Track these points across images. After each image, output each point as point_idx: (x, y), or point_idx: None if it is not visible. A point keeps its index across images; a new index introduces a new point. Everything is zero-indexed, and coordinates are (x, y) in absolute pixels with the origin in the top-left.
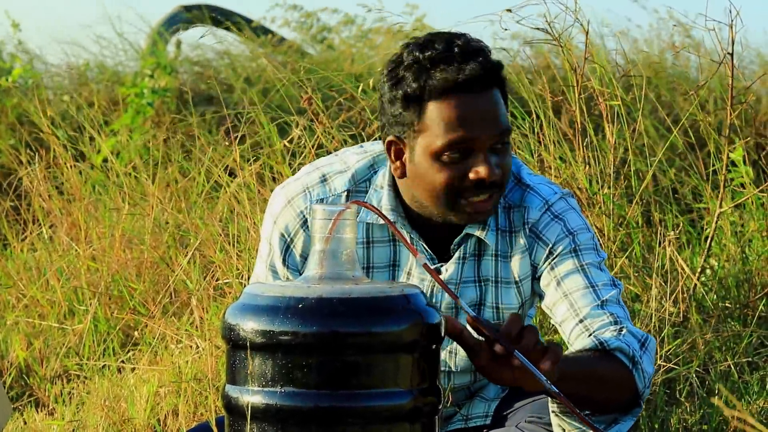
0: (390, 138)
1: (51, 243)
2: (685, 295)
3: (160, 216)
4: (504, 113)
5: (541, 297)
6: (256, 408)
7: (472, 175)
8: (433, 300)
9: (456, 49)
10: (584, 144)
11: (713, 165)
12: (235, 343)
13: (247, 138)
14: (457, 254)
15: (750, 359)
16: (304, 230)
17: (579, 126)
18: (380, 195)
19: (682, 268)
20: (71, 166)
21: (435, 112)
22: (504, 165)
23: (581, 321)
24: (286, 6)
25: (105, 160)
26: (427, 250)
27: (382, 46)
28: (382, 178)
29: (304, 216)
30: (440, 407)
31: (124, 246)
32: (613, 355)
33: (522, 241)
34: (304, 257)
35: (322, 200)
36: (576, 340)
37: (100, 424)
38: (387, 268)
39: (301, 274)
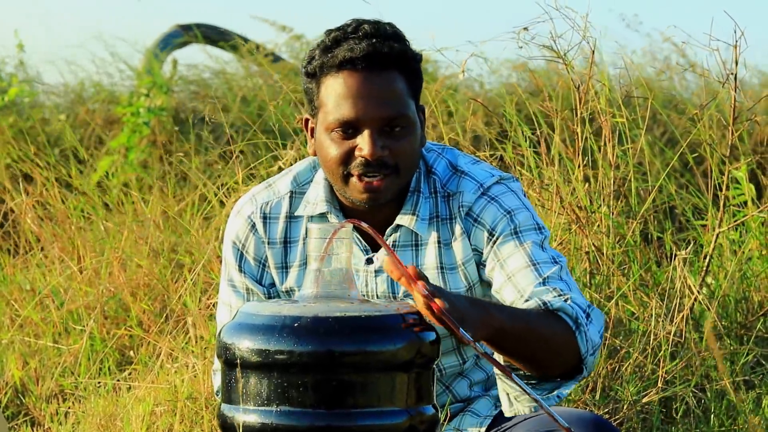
0: (305, 115)
1: (44, 261)
2: (684, 314)
3: (156, 236)
4: (400, 98)
5: (490, 285)
6: (252, 427)
7: (356, 152)
8: (367, 288)
9: (361, 31)
10: (584, 162)
11: (712, 183)
12: (230, 362)
13: (243, 158)
14: (390, 242)
15: (747, 378)
16: (253, 234)
17: (580, 144)
18: (318, 189)
19: (689, 288)
20: (58, 197)
21: (328, 87)
22: (398, 149)
23: (527, 301)
24: (276, 26)
25: (100, 182)
26: (360, 241)
27: None
28: (320, 173)
29: (251, 220)
30: (437, 427)
31: (119, 267)
32: (555, 315)
33: (459, 226)
34: (259, 261)
35: (267, 203)
36: None
37: None
38: None
39: (258, 282)
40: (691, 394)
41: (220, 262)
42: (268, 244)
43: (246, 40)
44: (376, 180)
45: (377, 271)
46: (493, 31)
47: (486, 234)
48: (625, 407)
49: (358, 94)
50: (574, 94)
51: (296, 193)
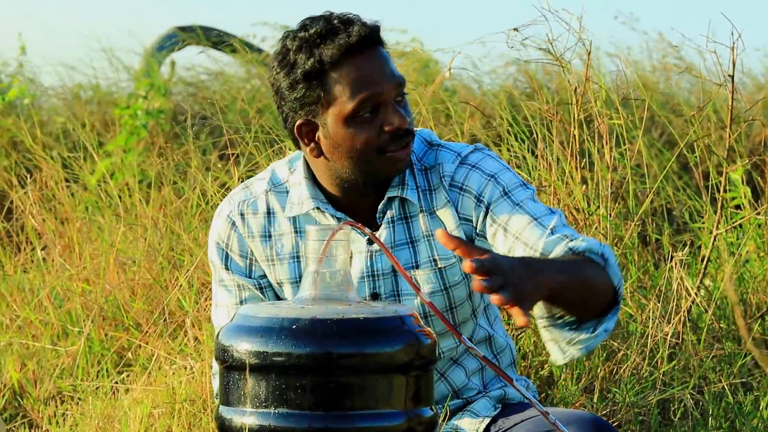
0: (299, 122)
1: (44, 263)
2: (681, 316)
3: (155, 237)
4: (395, 67)
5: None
6: (250, 429)
7: (387, 128)
8: (373, 268)
9: (336, 21)
10: (582, 164)
11: (710, 186)
12: (229, 364)
13: (242, 158)
14: (385, 219)
15: (744, 380)
16: (234, 231)
17: (577, 146)
18: (300, 189)
19: (687, 290)
20: (63, 188)
21: (338, 79)
22: (410, 116)
23: (542, 254)
24: (277, 27)
25: (99, 182)
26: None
27: None
28: (298, 174)
29: (231, 218)
30: (435, 429)
31: (117, 267)
32: (586, 257)
33: (443, 195)
34: (245, 256)
35: (244, 201)
36: None
37: None
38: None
39: (249, 276)
40: (689, 396)
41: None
42: (250, 237)
43: (246, 44)
44: (405, 148)
45: (378, 251)
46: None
47: (473, 200)
48: (623, 409)
49: (372, 72)
50: (571, 96)
51: (272, 191)
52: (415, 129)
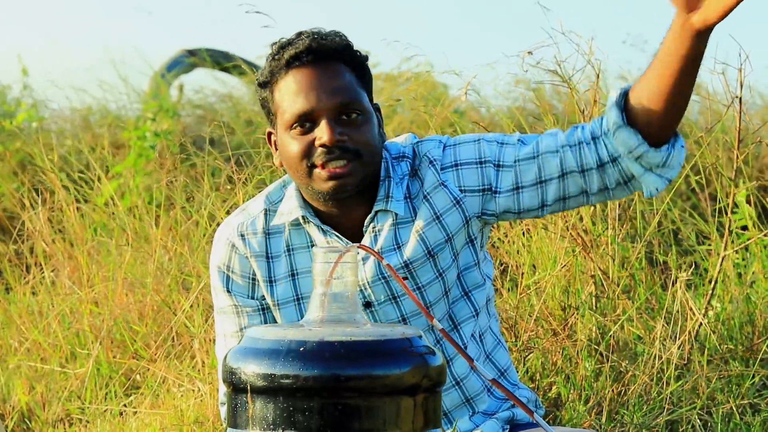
0: (268, 130)
1: (53, 287)
2: (689, 338)
3: (163, 259)
4: (350, 86)
5: (519, 210)
6: None
7: (316, 142)
8: (359, 277)
9: (303, 35)
10: None
11: (717, 207)
12: (236, 386)
13: (248, 180)
14: (368, 230)
15: (752, 401)
16: (235, 252)
17: None
18: (291, 201)
19: (692, 310)
20: (74, 210)
21: (281, 89)
22: (357, 135)
23: (569, 146)
24: None
25: (107, 204)
26: (341, 238)
27: (385, 90)
28: (291, 188)
29: (230, 241)
30: None
31: (126, 289)
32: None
33: (431, 176)
34: (246, 277)
35: (242, 223)
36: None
37: None
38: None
39: (250, 297)
40: (696, 417)
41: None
42: (252, 257)
43: (253, 66)
44: (339, 166)
45: (363, 259)
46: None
47: (475, 166)
48: (631, 430)
49: (309, 86)
50: (579, 117)
51: (270, 211)
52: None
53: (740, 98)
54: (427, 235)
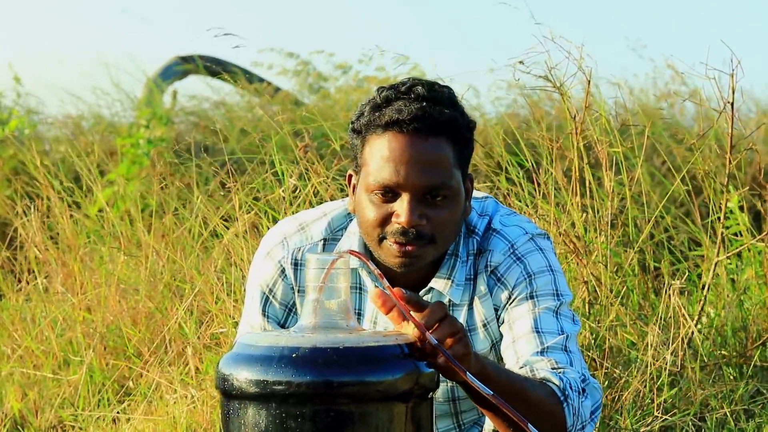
0: (350, 171)
1: (46, 293)
2: (682, 344)
3: (156, 265)
4: (445, 166)
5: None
6: None
7: (394, 218)
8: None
9: (413, 93)
10: (581, 192)
11: (710, 213)
12: (228, 393)
13: (241, 187)
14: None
15: (746, 407)
16: (283, 279)
17: (577, 174)
18: (351, 240)
19: (685, 317)
20: (67, 216)
21: (372, 147)
22: (437, 219)
23: (521, 368)
24: (283, 53)
25: (100, 210)
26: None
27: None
28: (355, 224)
29: (281, 266)
30: None
31: (119, 296)
32: (543, 383)
33: (483, 286)
34: (285, 305)
35: (299, 249)
36: None
37: None
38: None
39: (281, 325)
40: (690, 423)
41: (224, 292)
42: (298, 291)
43: (246, 73)
44: (411, 246)
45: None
46: (494, 62)
47: (507, 294)
48: None
49: (401, 159)
50: (571, 123)
51: (329, 240)
52: (483, 206)
53: (732, 104)
54: (473, 339)
